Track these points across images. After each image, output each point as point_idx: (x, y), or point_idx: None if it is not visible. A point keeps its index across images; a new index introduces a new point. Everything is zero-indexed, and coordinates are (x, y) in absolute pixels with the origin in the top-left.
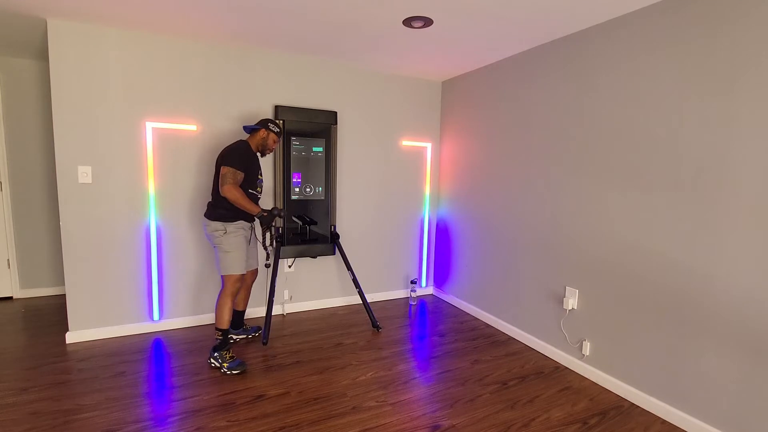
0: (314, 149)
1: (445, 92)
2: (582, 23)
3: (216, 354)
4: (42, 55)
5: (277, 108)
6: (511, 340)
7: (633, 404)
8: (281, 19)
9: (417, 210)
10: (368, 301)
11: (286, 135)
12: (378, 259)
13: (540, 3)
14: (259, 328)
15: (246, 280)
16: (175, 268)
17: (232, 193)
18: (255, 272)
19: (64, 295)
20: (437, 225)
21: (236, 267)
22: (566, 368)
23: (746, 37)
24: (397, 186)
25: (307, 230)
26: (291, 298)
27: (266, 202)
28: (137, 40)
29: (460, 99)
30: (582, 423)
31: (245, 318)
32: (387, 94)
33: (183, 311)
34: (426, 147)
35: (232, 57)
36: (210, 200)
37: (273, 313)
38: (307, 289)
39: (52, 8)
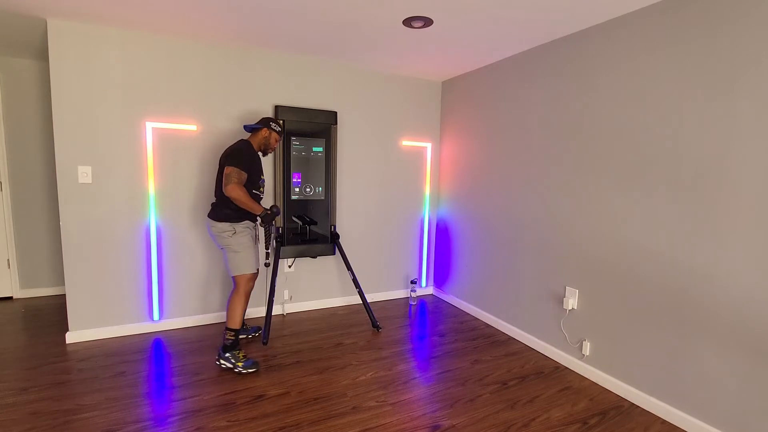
0: (314, 149)
1: (445, 92)
2: (582, 23)
3: (228, 354)
4: (42, 55)
5: (277, 108)
6: (511, 340)
7: (633, 404)
8: (281, 19)
9: (417, 210)
10: (368, 301)
11: (286, 135)
12: (378, 259)
13: (540, 3)
14: (259, 328)
15: None
16: (176, 268)
17: (236, 192)
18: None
19: (64, 295)
20: (437, 225)
21: (248, 266)
22: (566, 368)
23: (746, 37)
24: (397, 186)
25: (307, 230)
26: (291, 298)
27: (266, 202)
28: (137, 40)
29: (460, 99)
30: (582, 423)
31: (245, 318)
32: (387, 94)
33: (183, 311)
34: (426, 147)
35: (232, 57)
36: (214, 201)
37: (273, 313)
38: (307, 289)
39: (52, 8)
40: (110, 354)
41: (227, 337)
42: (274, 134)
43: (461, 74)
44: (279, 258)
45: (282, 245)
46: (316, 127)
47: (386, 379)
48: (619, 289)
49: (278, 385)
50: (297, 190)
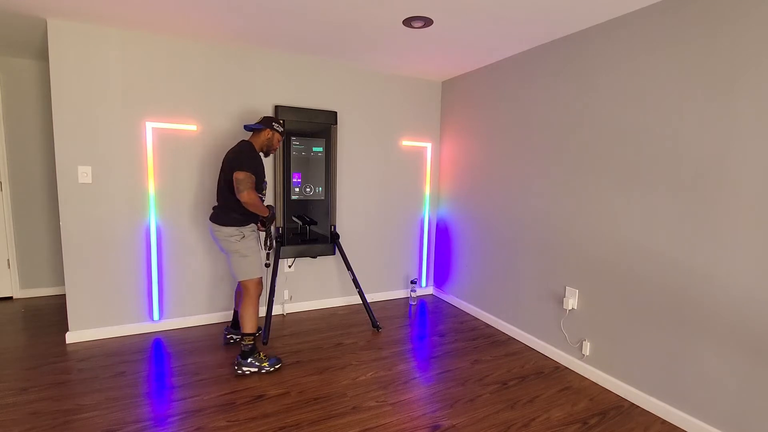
0: (314, 149)
1: (445, 92)
2: (582, 23)
3: (250, 359)
4: (42, 55)
5: (277, 108)
6: (511, 340)
7: (633, 404)
8: (281, 19)
9: (417, 210)
10: (368, 301)
11: (286, 135)
12: (378, 259)
13: (540, 3)
14: (259, 328)
15: None
16: (176, 268)
17: (251, 197)
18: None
19: (64, 295)
20: (437, 225)
21: (257, 270)
22: (566, 368)
23: (746, 37)
24: (397, 186)
25: (307, 230)
26: (291, 298)
27: (266, 202)
28: (137, 40)
29: (460, 99)
30: (582, 423)
31: None
32: (387, 94)
33: (183, 311)
34: (426, 147)
35: (232, 57)
36: (217, 205)
37: (273, 313)
38: (307, 289)
39: (52, 8)
40: (110, 354)
41: (245, 343)
42: (276, 135)
43: (461, 74)
44: (279, 258)
45: (282, 245)
46: (316, 127)
47: (386, 379)
48: (619, 289)
49: (278, 385)
50: (297, 190)
